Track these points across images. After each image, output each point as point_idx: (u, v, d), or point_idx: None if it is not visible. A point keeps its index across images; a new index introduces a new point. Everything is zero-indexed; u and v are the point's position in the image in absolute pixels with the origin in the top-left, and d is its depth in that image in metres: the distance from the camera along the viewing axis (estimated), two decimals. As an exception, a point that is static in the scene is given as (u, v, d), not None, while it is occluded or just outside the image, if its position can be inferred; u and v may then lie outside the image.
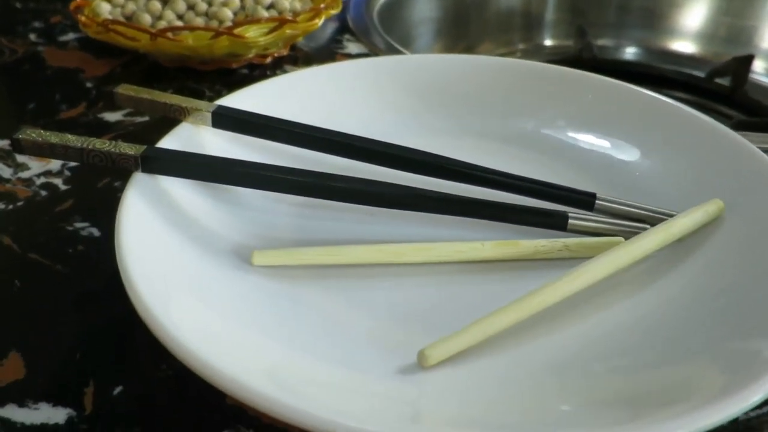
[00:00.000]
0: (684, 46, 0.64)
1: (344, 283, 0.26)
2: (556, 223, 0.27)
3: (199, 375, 0.19)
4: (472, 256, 0.26)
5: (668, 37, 0.65)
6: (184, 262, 0.24)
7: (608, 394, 0.21)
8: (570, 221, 0.27)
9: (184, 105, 0.30)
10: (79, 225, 0.30)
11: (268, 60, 0.45)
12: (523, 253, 0.26)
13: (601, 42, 0.65)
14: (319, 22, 0.43)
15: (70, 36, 0.48)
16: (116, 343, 0.24)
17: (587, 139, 0.32)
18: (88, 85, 0.42)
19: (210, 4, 0.44)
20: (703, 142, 0.29)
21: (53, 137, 0.26)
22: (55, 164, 0.34)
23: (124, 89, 0.31)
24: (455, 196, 0.27)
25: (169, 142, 0.29)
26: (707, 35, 0.64)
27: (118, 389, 0.22)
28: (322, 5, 0.44)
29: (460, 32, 0.62)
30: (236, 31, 0.40)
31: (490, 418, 0.20)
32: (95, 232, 0.30)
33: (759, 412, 0.21)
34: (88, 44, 0.46)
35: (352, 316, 0.24)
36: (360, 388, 0.21)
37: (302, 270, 0.26)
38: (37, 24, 0.50)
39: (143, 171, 0.26)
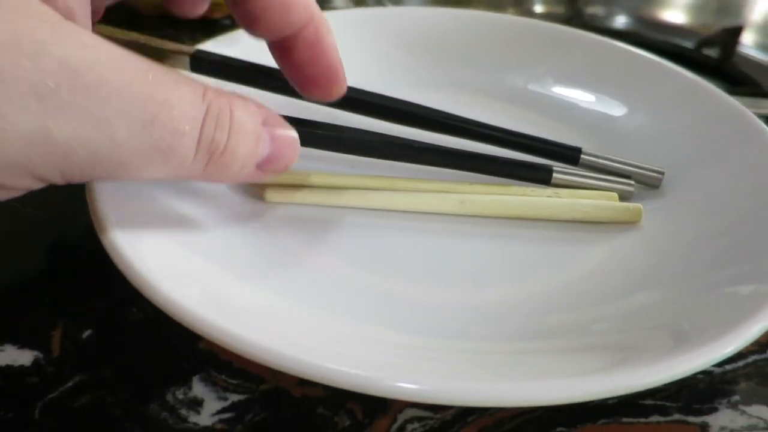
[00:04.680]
0: (674, 16, 0.63)
1: (323, 230, 0.25)
2: (540, 176, 0.26)
3: (168, 314, 0.18)
4: (462, 190, 0.26)
5: (659, 6, 0.64)
6: (157, 205, 0.24)
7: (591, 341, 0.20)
8: (555, 175, 0.26)
9: (162, 47, 0.29)
10: (50, 169, 0.29)
11: (252, 11, 0.43)
12: (512, 192, 0.26)
13: (591, 10, 0.65)
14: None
15: (45, -20, 0.46)
16: (86, 287, 0.23)
17: (575, 96, 0.32)
18: (63, 30, 0.40)
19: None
20: (689, 100, 0.29)
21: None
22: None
23: (100, 29, 0.30)
24: (438, 146, 0.26)
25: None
26: (697, 6, 0.63)
27: (87, 332, 0.22)
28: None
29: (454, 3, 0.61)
30: (218, -23, 0.39)
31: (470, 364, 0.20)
32: (67, 176, 0.29)
33: (735, 365, 0.21)
34: (63, -12, 0.44)
35: (329, 262, 0.24)
36: (334, 331, 0.20)
37: (277, 214, 0.25)
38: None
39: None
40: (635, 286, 0.23)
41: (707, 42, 0.59)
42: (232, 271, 0.22)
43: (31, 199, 0.27)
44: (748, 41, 0.60)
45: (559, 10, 0.64)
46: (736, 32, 0.58)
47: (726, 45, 0.58)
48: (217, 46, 0.30)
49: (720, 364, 0.21)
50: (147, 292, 0.19)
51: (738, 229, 0.24)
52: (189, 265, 0.21)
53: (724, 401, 0.20)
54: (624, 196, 0.27)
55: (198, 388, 0.20)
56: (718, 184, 0.26)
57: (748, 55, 0.59)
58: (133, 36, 0.30)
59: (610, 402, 0.20)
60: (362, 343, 0.20)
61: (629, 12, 0.65)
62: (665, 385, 0.20)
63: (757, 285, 0.21)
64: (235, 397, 0.20)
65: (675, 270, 0.23)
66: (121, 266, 0.19)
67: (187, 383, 0.20)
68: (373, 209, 0.26)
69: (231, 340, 0.17)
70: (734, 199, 0.25)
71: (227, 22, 0.43)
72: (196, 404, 0.19)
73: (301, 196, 0.26)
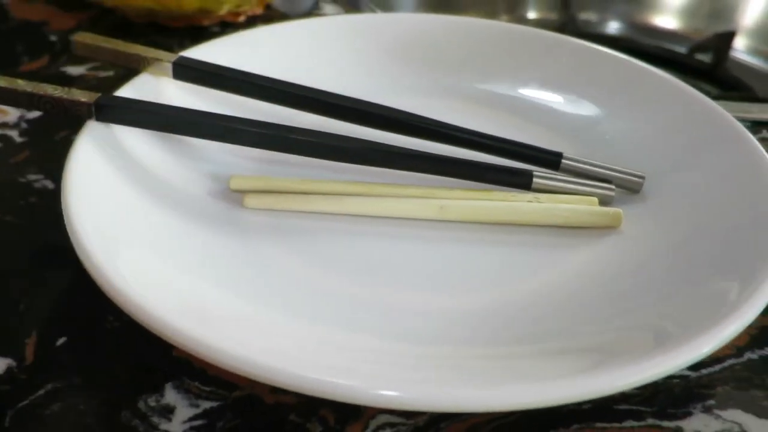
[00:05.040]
0: (667, 21, 0.64)
1: (301, 237, 0.25)
2: (520, 181, 0.26)
3: (142, 324, 0.18)
4: (442, 196, 0.26)
5: (652, 12, 0.64)
6: (134, 213, 0.24)
7: (572, 344, 0.20)
8: (535, 180, 0.26)
9: (144, 54, 0.29)
10: (32, 177, 0.29)
11: (241, 18, 0.44)
12: (492, 198, 0.26)
13: (584, 15, 0.65)
14: (293, -21, 0.42)
15: (36, -11, 0.46)
16: (61, 295, 0.23)
17: (557, 101, 0.32)
18: (53, 38, 0.41)
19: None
20: (669, 104, 0.29)
21: (1, 81, 0.25)
22: (11, 116, 0.33)
23: (82, 37, 0.30)
24: (419, 152, 0.26)
25: (126, 92, 0.28)
26: (690, 11, 0.63)
27: (61, 340, 0.22)
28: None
29: (443, 2, 0.62)
30: (205, -15, 0.39)
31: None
32: (49, 184, 0.29)
33: (711, 369, 0.21)
34: (54, -3, 0.45)
35: (308, 269, 0.24)
36: (311, 339, 0.20)
37: (254, 221, 0.25)
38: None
39: (97, 119, 0.26)
40: (615, 289, 0.23)
41: (700, 47, 0.59)
42: (210, 279, 0.22)
43: (8, 208, 0.27)
44: (740, 46, 0.60)
45: (553, 16, 0.64)
46: (728, 37, 0.58)
47: (718, 50, 0.58)
48: (200, 53, 0.30)
49: (696, 368, 0.21)
50: (121, 303, 0.18)
51: (717, 232, 0.23)
52: (165, 275, 0.21)
53: (699, 405, 0.20)
54: (605, 201, 0.26)
55: (170, 396, 0.20)
56: (698, 187, 0.26)
57: (741, 59, 0.59)
58: (117, 44, 0.30)
59: (585, 407, 0.20)
60: (338, 350, 0.20)
61: (622, 18, 0.65)
62: (640, 389, 0.20)
63: (736, 285, 0.20)
64: (207, 404, 0.20)
65: (654, 273, 0.23)
66: (95, 277, 0.19)
67: (159, 391, 0.20)
68: (353, 215, 0.26)
69: (204, 350, 0.17)
70: (714, 202, 0.25)
71: (216, 29, 0.43)
72: (168, 411, 0.19)
73: (280, 202, 0.26)
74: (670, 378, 0.21)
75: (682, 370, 0.21)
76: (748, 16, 0.61)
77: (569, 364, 0.20)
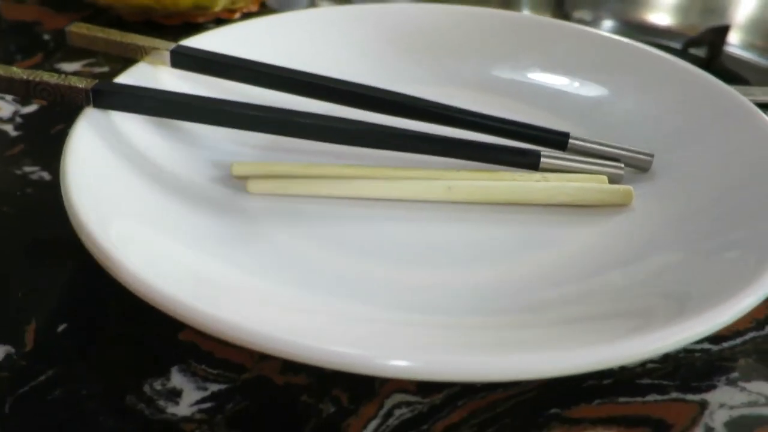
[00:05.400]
0: (660, 18, 0.64)
1: (307, 219, 0.24)
2: (528, 161, 0.26)
3: (147, 301, 0.17)
4: (449, 177, 0.25)
5: (645, 9, 0.64)
6: (136, 198, 0.23)
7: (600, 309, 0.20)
8: (543, 159, 0.26)
9: (141, 44, 0.29)
10: (28, 169, 0.28)
11: (237, 15, 0.43)
12: (500, 178, 0.25)
13: (578, 14, 0.65)
14: (289, -25, 0.42)
15: (29, -10, 0.46)
16: (61, 282, 0.23)
17: (563, 86, 0.32)
18: (46, 37, 0.40)
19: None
20: (673, 82, 0.29)
21: None
22: (6, 111, 0.32)
23: (77, 27, 0.29)
24: (425, 134, 0.26)
25: (124, 80, 0.27)
26: (683, 7, 0.63)
27: (62, 326, 0.21)
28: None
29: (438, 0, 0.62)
30: (201, -20, 0.39)
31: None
32: (45, 176, 0.28)
33: (732, 342, 0.21)
34: (47, -1, 0.44)
35: (317, 250, 0.23)
36: (323, 314, 0.20)
37: (259, 207, 0.25)
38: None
39: (95, 106, 0.25)
40: (628, 261, 0.22)
41: (694, 42, 0.59)
42: (216, 258, 0.22)
43: (4, 199, 0.26)
44: (734, 40, 0.60)
45: (547, 14, 0.65)
46: (722, 32, 0.58)
47: (713, 45, 0.58)
48: (197, 43, 0.30)
49: (717, 342, 0.21)
50: (130, 283, 0.18)
51: (730, 205, 0.23)
52: (174, 257, 0.21)
53: (723, 378, 0.19)
54: (613, 180, 0.26)
55: (177, 379, 0.19)
56: (708, 163, 0.25)
57: (735, 54, 0.59)
58: (113, 33, 0.29)
59: (606, 382, 0.19)
60: (348, 324, 0.20)
61: (616, 16, 0.65)
62: (661, 362, 0.20)
63: (752, 257, 0.20)
64: (215, 387, 0.19)
65: (667, 246, 0.22)
66: (99, 257, 0.19)
67: (165, 374, 0.19)
68: (360, 198, 0.25)
69: (222, 327, 0.17)
70: (725, 177, 0.24)
71: (211, 26, 0.42)
72: (174, 395, 0.19)
73: (285, 186, 0.25)
74: (690, 351, 0.20)
75: (703, 343, 0.20)
76: (741, 11, 0.61)
77: (580, 333, 0.19)
